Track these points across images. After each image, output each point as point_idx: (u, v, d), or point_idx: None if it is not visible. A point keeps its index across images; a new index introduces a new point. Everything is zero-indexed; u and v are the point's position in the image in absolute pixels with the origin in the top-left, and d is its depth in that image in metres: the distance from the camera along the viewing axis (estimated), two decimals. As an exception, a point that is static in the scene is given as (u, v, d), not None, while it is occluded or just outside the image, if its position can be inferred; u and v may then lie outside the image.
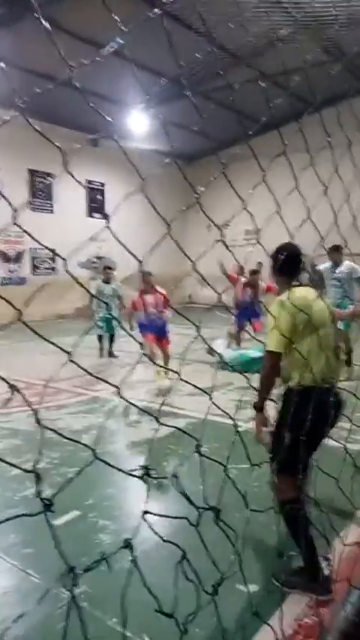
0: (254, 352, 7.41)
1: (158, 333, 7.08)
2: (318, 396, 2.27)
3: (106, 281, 9.57)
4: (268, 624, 1.33)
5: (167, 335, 7.25)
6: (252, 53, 11.89)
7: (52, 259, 16.62)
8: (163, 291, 7.39)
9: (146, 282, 7.19)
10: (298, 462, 2.17)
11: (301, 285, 2.83)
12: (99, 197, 18.01)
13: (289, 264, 2.80)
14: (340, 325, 6.37)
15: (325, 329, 2.68)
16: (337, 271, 7.35)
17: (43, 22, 0.86)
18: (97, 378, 0.95)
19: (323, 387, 2.47)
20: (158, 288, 7.23)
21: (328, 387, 2.50)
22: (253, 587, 2.55)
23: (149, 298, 7.12)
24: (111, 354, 9.44)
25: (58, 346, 0.79)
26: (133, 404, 1.13)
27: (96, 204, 17.78)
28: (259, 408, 2.82)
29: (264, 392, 2.79)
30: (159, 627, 2.02)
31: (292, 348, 2.52)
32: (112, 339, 9.47)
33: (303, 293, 2.73)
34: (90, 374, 0.86)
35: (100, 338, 9.39)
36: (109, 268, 9.81)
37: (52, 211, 16.49)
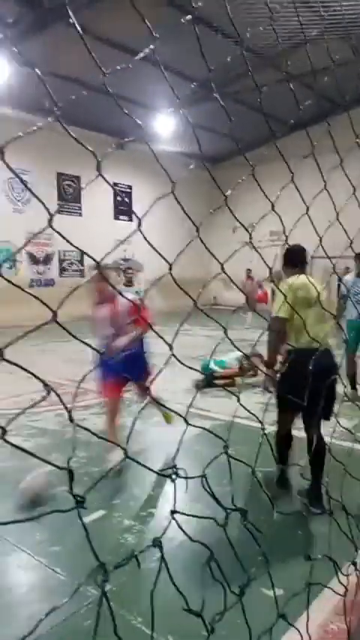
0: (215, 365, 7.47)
1: (131, 373, 4.04)
2: (310, 354, 2.60)
3: (128, 284, 8.59)
4: (295, 627, 1.33)
5: (148, 370, 4.42)
6: (279, 54, 11.82)
7: (80, 261, 16.81)
8: (136, 297, 6.07)
9: (99, 284, 4.08)
10: (294, 406, 3.19)
11: (303, 273, 3.63)
12: (126, 200, 18.16)
13: (294, 257, 3.72)
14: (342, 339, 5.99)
15: (318, 307, 3.36)
16: None
17: (77, 28, 0.88)
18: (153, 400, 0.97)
19: (314, 347, 3.00)
20: (128, 294, 4.95)
21: (318, 348, 3.02)
22: (278, 591, 2.54)
23: (104, 310, 4.20)
24: None
25: (92, 347, 0.81)
26: (166, 407, 1.14)
27: (123, 207, 17.92)
28: (269, 364, 3.67)
29: (272, 352, 3.63)
30: (183, 627, 2.03)
31: (293, 318, 3.35)
32: None
33: (303, 279, 3.55)
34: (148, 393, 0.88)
35: None
36: (130, 269, 8.87)
37: (80, 214, 16.70)
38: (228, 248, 1.24)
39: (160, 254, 1.03)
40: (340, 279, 6.98)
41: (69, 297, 0.76)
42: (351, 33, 10.54)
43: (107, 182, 0.90)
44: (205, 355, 7.78)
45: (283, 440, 3.78)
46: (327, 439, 4.28)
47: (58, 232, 0.84)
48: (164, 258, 1.05)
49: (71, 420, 0.73)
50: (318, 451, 3.38)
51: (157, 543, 0.85)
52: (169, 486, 3.74)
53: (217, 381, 7.19)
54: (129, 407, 6.29)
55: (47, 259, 16.08)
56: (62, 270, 16.54)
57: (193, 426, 1.07)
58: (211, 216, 19.98)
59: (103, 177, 0.86)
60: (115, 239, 14.69)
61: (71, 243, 0.88)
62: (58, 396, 0.75)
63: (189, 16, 0.93)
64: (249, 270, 14.20)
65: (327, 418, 3.40)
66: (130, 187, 18.18)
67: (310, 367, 2.18)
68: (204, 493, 1.09)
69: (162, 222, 15.74)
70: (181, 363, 1.04)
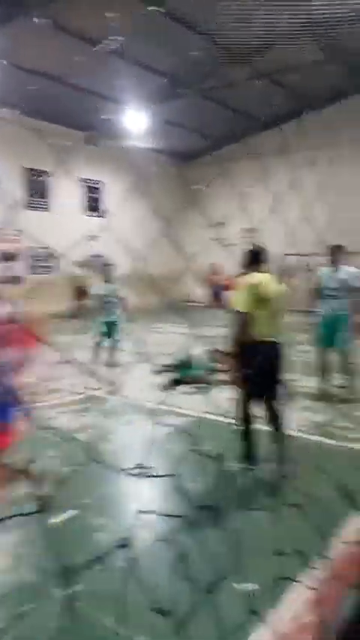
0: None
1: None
2: (263, 346, 3.64)
3: (107, 280, 8.45)
4: (266, 623, 1.33)
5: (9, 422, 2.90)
6: (250, 51, 11.87)
7: (51, 257, 16.56)
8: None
9: None
10: (252, 391, 3.72)
11: (261, 272, 3.98)
12: (95, 195, 17.97)
13: (253, 257, 4.04)
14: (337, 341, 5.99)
15: (274, 303, 3.84)
16: (336, 277, 6.09)
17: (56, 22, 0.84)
18: (97, 378, 0.93)
19: (267, 341, 3.76)
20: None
21: (272, 341, 3.81)
22: (252, 586, 2.55)
23: None
24: (111, 364, 8.15)
25: (56, 346, 0.78)
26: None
27: (92, 203, 17.74)
28: (233, 355, 3.95)
29: (235, 343, 3.90)
30: (156, 626, 2.01)
31: (251, 314, 3.75)
32: (113, 346, 8.20)
33: (260, 278, 3.91)
34: (92, 374, 0.85)
35: (97, 345, 8.17)
36: (109, 265, 8.72)
37: (47, 209, 16.45)
38: (202, 245, 1.22)
39: (128, 248, 1.00)
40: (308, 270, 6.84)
41: (33, 296, 0.73)
42: (321, 34, 10.65)
43: (71, 176, 0.86)
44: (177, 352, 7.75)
45: (245, 419, 4.03)
46: (297, 433, 4.34)
47: (21, 230, 0.81)
48: (133, 253, 1.02)
49: (33, 421, 0.70)
50: (273, 417, 3.96)
51: (124, 544, 0.83)
52: (141, 484, 3.72)
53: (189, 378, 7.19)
54: (98, 406, 6.24)
55: (15, 256, 15.78)
56: (32, 266, 16.26)
57: (162, 424, 1.05)
58: (186, 213, 19.96)
59: (64, 171, 0.83)
60: (85, 235, 14.52)
61: (35, 240, 0.84)
62: (20, 396, 0.72)
63: (153, 7, 0.90)
64: (214, 264, 13.71)
65: (274, 398, 3.96)
66: (99, 183, 18.01)
67: (260, 356, 2.87)
68: (176, 491, 1.07)
69: (135, 219, 15.65)
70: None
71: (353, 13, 10.10)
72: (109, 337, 8.17)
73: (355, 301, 6.15)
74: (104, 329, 8.14)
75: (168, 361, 7.55)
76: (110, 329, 8.15)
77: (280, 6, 10.18)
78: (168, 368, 7.30)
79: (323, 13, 10.46)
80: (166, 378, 7.07)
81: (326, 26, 10.53)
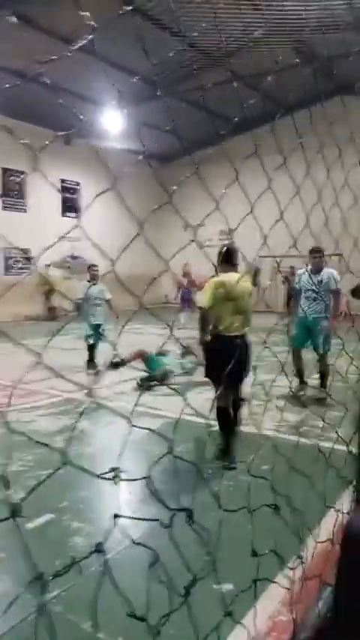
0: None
1: None
2: (228, 339, 4.09)
3: (93, 281, 8.19)
4: (241, 624, 1.33)
5: None
6: (226, 54, 11.96)
7: (27, 258, 16.39)
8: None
9: None
10: (220, 379, 3.58)
11: (233, 271, 4.35)
12: (74, 196, 17.84)
13: (224, 258, 4.33)
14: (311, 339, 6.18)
15: (240, 300, 4.17)
16: (315, 279, 6.24)
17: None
18: (70, 380, 0.93)
19: (232, 335, 4.12)
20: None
21: (236, 335, 4.11)
22: (228, 587, 2.56)
23: None
24: (92, 366, 8.25)
25: (28, 348, 0.77)
26: (105, 405, 1.11)
27: (71, 204, 17.62)
28: (202, 342, 4.33)
29: (201, 332, 4.31)
30: (135, 630, 2.00)
31: (213, 309, 4.14)
32: (95, 348, 8.20)
33: (229, 276, 4.22)
34: (62, 376, 0.85)
35: (91, 347, 8.16)
36: (95, 266, 8.36)
37: (25, 210, 16.26)
38: (179, 247, 1.22)
39: (100, 249, 1.00)
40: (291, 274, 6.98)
41: (8, 297, 0.73)
42: (294, 37, 10.79)
43: (45, 177, 0.86)
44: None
45: (222, 413, 4.34)
46: (274, 433, 4.38)
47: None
48: (105, 254, 1.02)
49: (6, 423, 0.69)
50: (234, 409, 4.43)
51: (99, 549, 0.83)
52: (117, 488, 3.71)
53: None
54: (77, 408, 6.19)
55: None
56: (7, 267, 16.06)
57: (138, 427, 1.05)
58: (164, 215, 19.97)
59: (40, 171, 0.83)
60: (62, 236, 14.37)
61: (8, 240, 0.84)
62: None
63: (127, 7, 0.90)
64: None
65: (236, 390, 4.41)
66: (78, 184, 17.88)
67: (223, 348, 3.40)
68: (152, 493, 1.07)
69: (114, 220, 15.57)
70: (180, 344, 1.01)
71: (329, 19, 10.25)
72: (93, 339, 8.13)
73: (332, 303, 6.26)
74: (89, 331, 8.11)
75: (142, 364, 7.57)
76: (95, 331, 8.11)
77: (256, 10, 10.28)
78: (148, 375, 7.30)
79: (298, 18, 10.60)
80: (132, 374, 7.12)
81: (300, 31, 10.67)
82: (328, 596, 1.88)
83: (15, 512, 0.69)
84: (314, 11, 10.47)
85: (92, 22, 0.89)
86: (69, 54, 0.93)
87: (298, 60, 11.57)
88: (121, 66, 12.47)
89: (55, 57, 0.84)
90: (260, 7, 9.63)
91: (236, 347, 3.89)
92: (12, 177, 15.83)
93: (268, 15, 9.65)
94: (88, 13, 0.94)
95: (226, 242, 4.35)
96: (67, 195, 17.63)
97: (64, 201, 17.70)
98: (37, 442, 0.80)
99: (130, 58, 12.08)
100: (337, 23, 10.21)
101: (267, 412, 5.34)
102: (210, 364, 4.27)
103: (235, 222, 1.56)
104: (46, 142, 0.77)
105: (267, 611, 2.50)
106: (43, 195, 16.38)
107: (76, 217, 17.68)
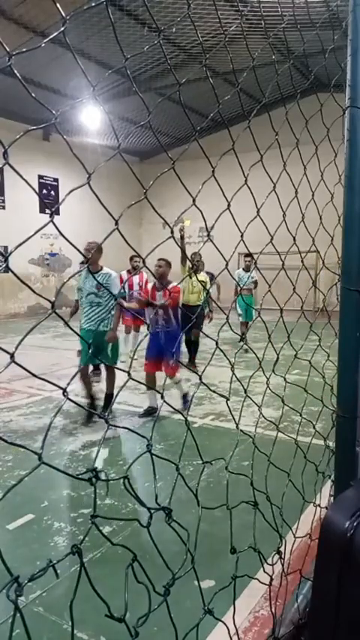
0: None
1: None
2: (190, 308, 7.24)
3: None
4: (221, 621, 1.34)
5: None
6: (203, 50, 11.94)
7: (4, 256, 16.16)
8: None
9: None
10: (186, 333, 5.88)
11: (196, 272, 7.46)
12: (52, 193, 17.64)
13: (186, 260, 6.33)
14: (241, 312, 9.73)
15: (197, 288, 7.57)
16: (248, 276, 9.26)
17: None
18: (43, 379, 0.90)
19: (194, 304, 7.43)
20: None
21: (197, 305, 7.39)
22: (210, 583, 2.57)
23: None
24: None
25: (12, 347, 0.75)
26: (77, 404, 1.10)
27: (49, 200, 17.40)
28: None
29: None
30: (116, 630, 2.00)
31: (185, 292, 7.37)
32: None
33: (197, 275, 7.16)
34: (35, 375, 0.83)
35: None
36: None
37: (3, 207, 16.03)
38: (158, 242, 1.21)
39: (75, 247, 0.98)
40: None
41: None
42: (272, 34, 10.81)
43: (16, 172, 0.84)
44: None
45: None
46: (253, 429, 4.39)
47: None
48: (80, 252, 1.01)
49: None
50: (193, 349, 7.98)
51: (75, 551, 0.82)
52: (95, 488, 3.69)
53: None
54: (57, 407, 6.13)
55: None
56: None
57: (115, 426, 1.04)
58: (143, 212, 19.89)
59: (12, 167, 0.81)
60: (41, 233, 14.25)
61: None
62: None
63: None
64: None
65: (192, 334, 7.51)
66: (56, 180, 17.69)
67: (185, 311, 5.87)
68: (130, 492, 1.06)
69: (93, 217, 15.46)
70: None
71: (305, 16, 10.29)
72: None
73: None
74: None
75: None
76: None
77: (233, 6, 10.29)
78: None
79: (275, 15, 10.63)
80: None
81: (277, 27, 10.69)
82: (307, 590, 1.90)
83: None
84: (290, 8, 10.50)
85: (68, 17, 0.87)
86: (42, 45, 0.91)
87: (276, 57, 11.62)
88: (102, 62, 12.38)
89: (26, 49, 0.82)
90: (236, 3, 9.63)
91: (195, 311, 6.27)
92: (-11, 174, 15.59)
93: (244, 11, 9.64)
94: (61, 7, 0.93)
95: (205, 239, 4.84)
96: (46, 191, 17.42)
97: (43, 198, 17.48)
98: (11, 444, 0.79)
99: (110, 55, 12.01)
100: (314, 21, 10.25)
101: (246, 408, 5.37)
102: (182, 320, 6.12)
103: (214, 220, 1.55)
104: (17, 137, 0.75)
105: (250, 605, 2.52)
106: (21, 192, 16.14)
107: (54, 214, 17.47)
